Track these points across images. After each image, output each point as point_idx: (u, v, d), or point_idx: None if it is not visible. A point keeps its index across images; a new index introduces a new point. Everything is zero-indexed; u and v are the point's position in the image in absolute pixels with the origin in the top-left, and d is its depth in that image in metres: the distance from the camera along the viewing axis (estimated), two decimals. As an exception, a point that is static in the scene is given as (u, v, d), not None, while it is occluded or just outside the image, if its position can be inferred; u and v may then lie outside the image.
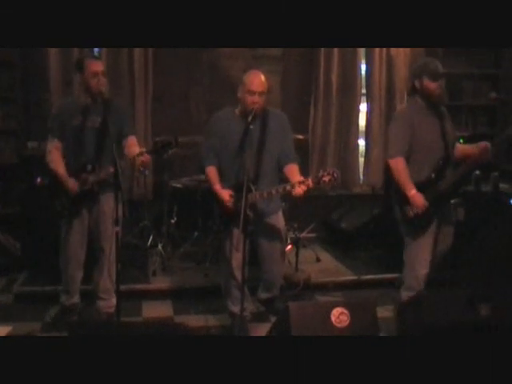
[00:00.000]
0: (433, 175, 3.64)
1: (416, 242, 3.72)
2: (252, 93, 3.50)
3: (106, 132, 3.56)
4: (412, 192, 3.59)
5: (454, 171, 3.69)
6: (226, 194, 3.57)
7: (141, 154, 3.51)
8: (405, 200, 3.64)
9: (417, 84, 3.64)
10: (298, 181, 3.36)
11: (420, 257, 3.72)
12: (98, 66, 3.65)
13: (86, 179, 3.66)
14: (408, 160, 3.66)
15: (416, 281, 3.77)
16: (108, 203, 3.69)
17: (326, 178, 3.21)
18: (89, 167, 3.67)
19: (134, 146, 3.75)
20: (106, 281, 3.84)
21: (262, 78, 3.56)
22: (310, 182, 3.28)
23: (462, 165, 3.70)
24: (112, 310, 3.84)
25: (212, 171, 3.70)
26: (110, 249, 3.67)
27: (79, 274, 3.91)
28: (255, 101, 3.49)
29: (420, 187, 3.62)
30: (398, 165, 3.64)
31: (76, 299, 3.96)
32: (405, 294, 3.83)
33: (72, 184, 3.67)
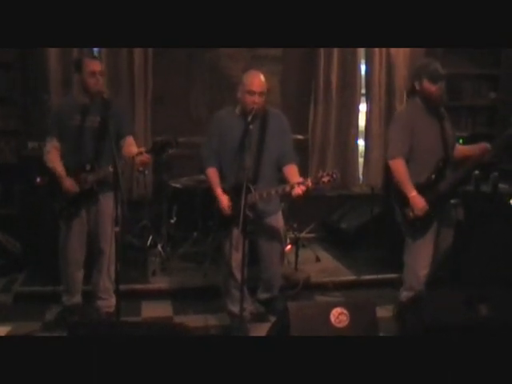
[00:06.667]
0: (433, 176, 3.64)
1: (416, 243, 3.72)
2: (252, 93, 3.50)
3: (105, 132, 3.56)
4: (412, 194, 3.59)
5: (454, 172, 3.69)
6: (224, 201, 3.57)
7: (140, 153, 3.51)
8: (405, 201, 3.64)
9: (416, 85, 3.63)
10: (297, 181, 3.36)
11: (420, 258, 3.73)
12: (96, 66, 3.66)
13: (85, 179, 3.66)
14: (408, 161, 3.65)
15: (416, 281, 3.77)
16: (107, 203, 3.69)
17: (326, 179, 3.21)
18: (88, 167, 3.67)
19: (131, 145, 3.76)
20: (106, 281, 3.85)
21: (262, 78, 3.56)
22: (309, 182, 3.27)
23: (462, 166, 3.70)
24: (111, 309, 3.84)
25: (213, 173, 3.70)
26: (109, 249, 3.67)
27: (80, 275, 3.91)
28: (255, 101, 3.49)
29: (420, 188, 3.62)
30: (398, 166, 3.64)
31: (77, 299, 3.96)
32: (405, 294, 3.84)
33: (70, 184, 3.66)
